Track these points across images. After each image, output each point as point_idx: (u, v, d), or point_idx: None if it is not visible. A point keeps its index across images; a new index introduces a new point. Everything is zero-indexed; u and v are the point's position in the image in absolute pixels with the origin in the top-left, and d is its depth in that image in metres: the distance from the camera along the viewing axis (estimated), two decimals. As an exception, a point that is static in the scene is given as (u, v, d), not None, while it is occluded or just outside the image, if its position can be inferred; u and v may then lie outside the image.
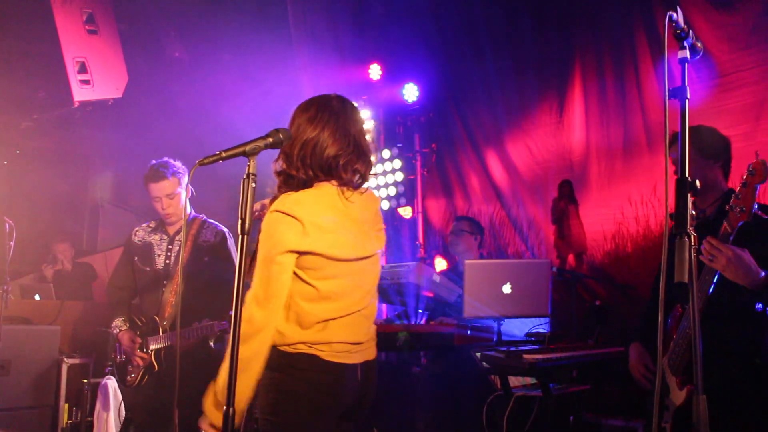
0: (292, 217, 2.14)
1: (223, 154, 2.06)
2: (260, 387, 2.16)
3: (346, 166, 2.23)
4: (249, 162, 2.04)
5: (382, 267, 3.88)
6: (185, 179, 3.85)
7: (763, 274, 2.37)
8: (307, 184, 2.23)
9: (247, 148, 2.05)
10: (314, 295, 2.19)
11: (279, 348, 2.17)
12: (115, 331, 3.88)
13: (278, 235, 2.15)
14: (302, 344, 2.17)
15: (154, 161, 3.89)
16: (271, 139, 2.10)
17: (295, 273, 2.18)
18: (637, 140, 4.89)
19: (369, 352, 2.31)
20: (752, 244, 2.40)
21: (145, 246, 3.96)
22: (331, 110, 2.24)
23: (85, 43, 5.59)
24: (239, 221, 1.99)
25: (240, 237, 2.00)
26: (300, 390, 2.14)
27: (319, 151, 2.21)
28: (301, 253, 2.16)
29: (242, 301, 1.95)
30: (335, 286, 2.22)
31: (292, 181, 2.25)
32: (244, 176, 2.01)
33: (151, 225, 4.04)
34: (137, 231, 4.05)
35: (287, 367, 2.16)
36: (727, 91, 4.49)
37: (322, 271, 2.19)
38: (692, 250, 1.68)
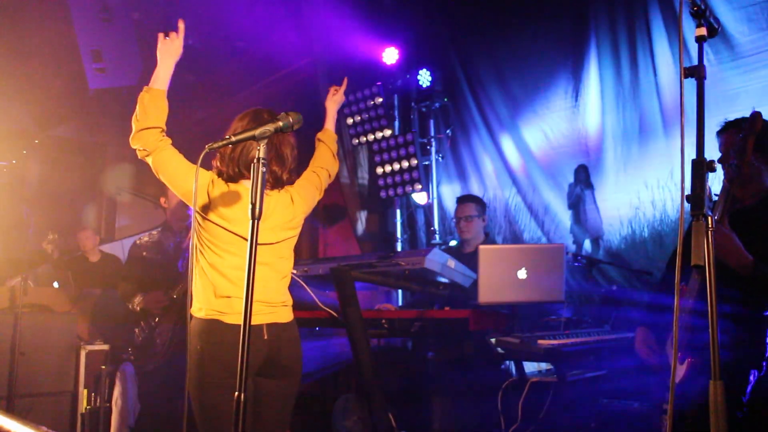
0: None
1: (233, 139, 2.07)
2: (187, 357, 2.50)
3: (265, 167, 2.52)
4: (259, 146, 2.04)
5: (397, 254, 3.89)
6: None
7: (751, 257, 2.37)
8: (233, 179, 2.62)
9: (257, 132, 2.05)
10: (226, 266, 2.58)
11: (195, 317, 2.58)
12: (137, 307, 4.02)
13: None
14: (211, 311, 2.54)
15: None
16: (280, 123, 2.10)
17: (212, 250, 2.57)
18: (653, 124, 4.83)
19: (278, 316, 2.66)
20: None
21: (154, 243, 4.13)
22: (260, 121, 2.49)
23: (99, 32, 5.61)
24: (250, 206, 2.00)
25: (251, 222, 2.00)
26: (208, 352, 2.50)
27: (246, 152, 2.57)
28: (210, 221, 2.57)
29: (253, 282, 1.97)
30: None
31: (222, 175, 2.63)
32: (254, 161, 2.02)
33: (154, 233, 4.18)
34: (141, 236, 4.24)
35: (198, 334, 2.53)
36: (746, 73, 4.42)
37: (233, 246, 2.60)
38: (709, 232, 1.65)
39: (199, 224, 2.62)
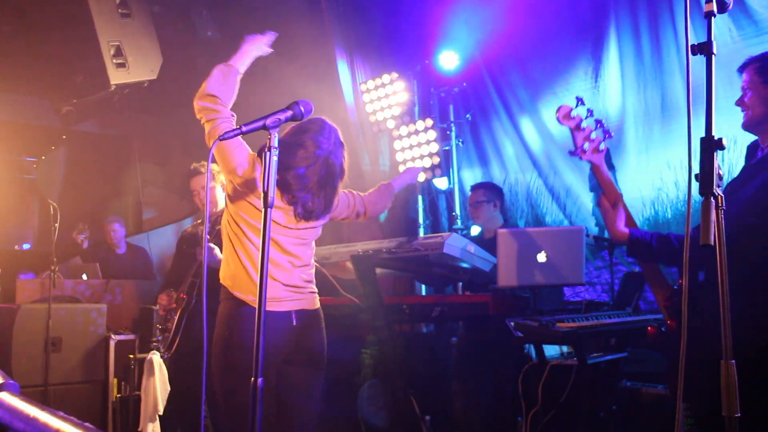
0: None
1: (244, 128, 2.09)
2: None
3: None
4: (270, 135, 2.06)
5: (417, 239, 3.89)
6: (220, 175, 3.93)
7: (628, 231, 2.55)
8: None
9: (268, 121, 2.07)
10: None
11: (223, 301, 2.61)
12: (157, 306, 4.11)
13: None
14: (242, 295, 2.56)
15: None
16: (290, 112, 2.12)
17: (246, 236, 2.58)
18: (676, 102, 4.75)
19: (306, 302, 2.69)
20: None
21: (192, 236, 4.16)
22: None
23: (119, 27, 5.66)
24: (262, 194, 2.02)
25: (264, 210, 2.02)
26: (237, 338, 2.52)
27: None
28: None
29: (266, 274, 1.99)
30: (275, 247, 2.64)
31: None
32: (266, 149, 2.04)
33: (198, 220, 4.25)
34: (186, 228, 4.31)
35: (228, 319, 2.57)
36: (770, 49, 4.31)
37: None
38: (720, 211, 1.63)
39: (234, 206, 2.62)
